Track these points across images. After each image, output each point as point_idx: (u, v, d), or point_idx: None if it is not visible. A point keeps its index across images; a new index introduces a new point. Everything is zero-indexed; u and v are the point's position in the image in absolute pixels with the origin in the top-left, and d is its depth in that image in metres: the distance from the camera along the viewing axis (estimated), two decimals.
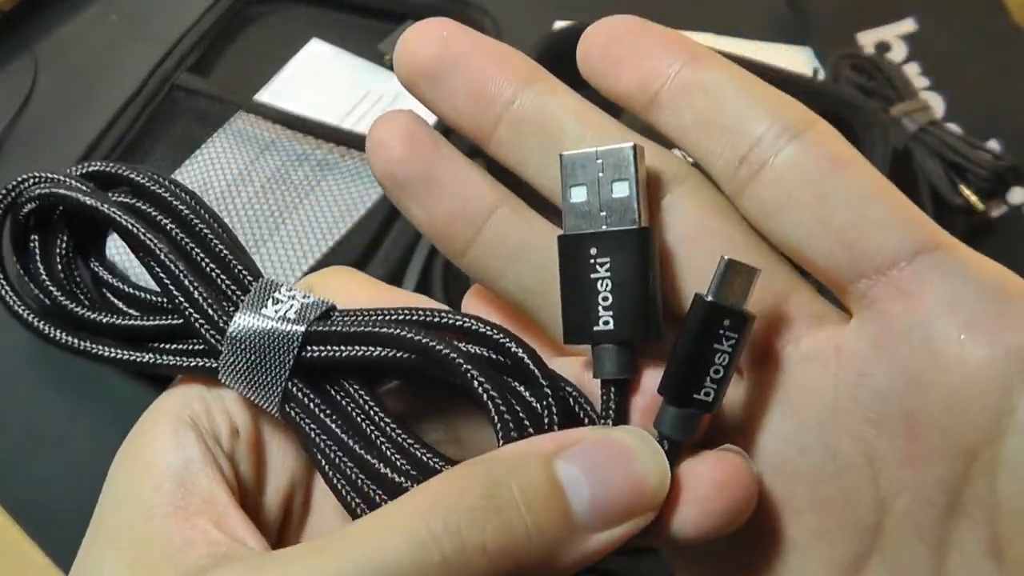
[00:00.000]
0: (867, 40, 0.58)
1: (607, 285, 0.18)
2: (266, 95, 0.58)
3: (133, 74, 0.56)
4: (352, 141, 0.54)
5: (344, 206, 0.51)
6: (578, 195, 0.18)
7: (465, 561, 0.16)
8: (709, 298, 0.17)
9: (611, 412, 0.19)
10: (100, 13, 0.65)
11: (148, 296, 0.22)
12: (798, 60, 0.59)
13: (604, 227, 0.18)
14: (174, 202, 0.21)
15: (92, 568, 0.19)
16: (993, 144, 0.52)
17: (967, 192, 0.48)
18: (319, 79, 0.59)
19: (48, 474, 0.44)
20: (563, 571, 0.17)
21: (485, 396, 0.18)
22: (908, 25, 0.59)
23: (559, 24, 0.55)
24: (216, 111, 0.56)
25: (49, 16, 0.64)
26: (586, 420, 0.19)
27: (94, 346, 0.21)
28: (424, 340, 0.19)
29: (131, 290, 0.22)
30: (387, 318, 0.20)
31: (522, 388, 0.19)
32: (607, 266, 0.18)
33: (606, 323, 0.18)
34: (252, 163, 0.54)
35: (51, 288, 0.21)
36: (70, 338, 0.21)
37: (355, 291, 0.22)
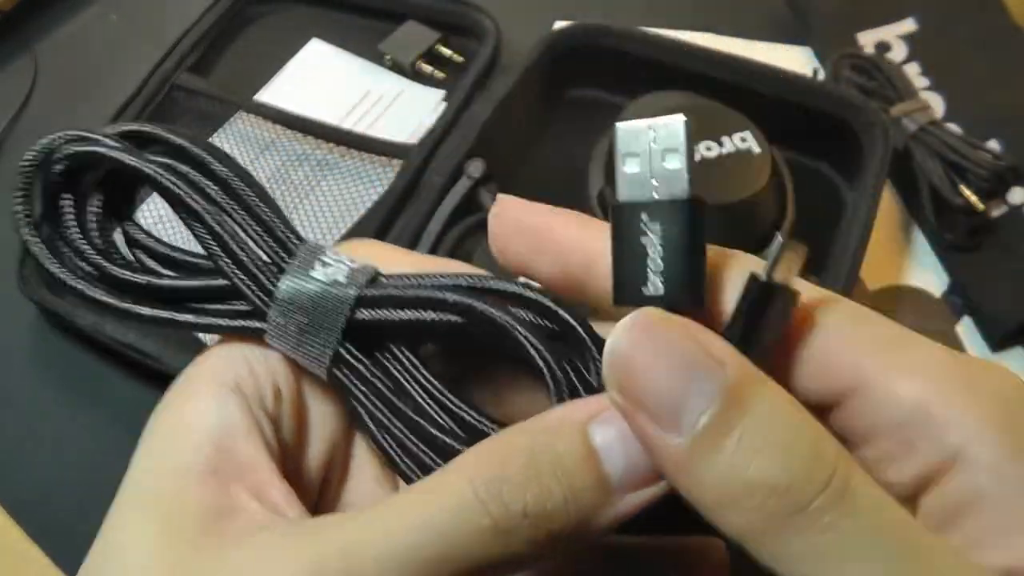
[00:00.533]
0: (867, 40, 0.58)
1: (657, 251, 0.19)
2: (266, 95, 0.58)
3: (133, 74, 0.56)
4: (352, 141, 0.54)
5: (344, 206, 0.51)
6: (631, 165, 0.19)
7: (509, 526, 0.17)
8: (764, 278, 0.18)
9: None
10: (100, 13, 0.65)
11: (185, 257, 0.21)
12: (798, 60, 0.59)
13: (655, 196, 0.19)
14: (213, 164, 0.21)
15: (119, 529, 0.19)
16: (993, 144, 0.52)
17: (967, 192, 0.48)
18: (319, 79, 0.59)
19: (48, 474, 0.44)
20: (598, 530, 0.17)
21: (540, 361, 0.19)
22: (908, 25, 0.59)
23: (559, 24, 0.55)
24: (216, 111, 0.56)
25: (49, 16, 0.64)
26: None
27: (135, 306, 0.21)
28: (479, 305, 0.19)
29: (167, 251, 0.21)
30: (436, 283, 0.20)
31: (573, 352, 0.19)
32: (658, 233, 0.19)
33: (655, 287, 0.19)
34: (252, 163, 0.54)
35: (85, 248, 0.21)
36: (110, 299, 0.21)
37: (390, 259, 0.22)
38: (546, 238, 0.20)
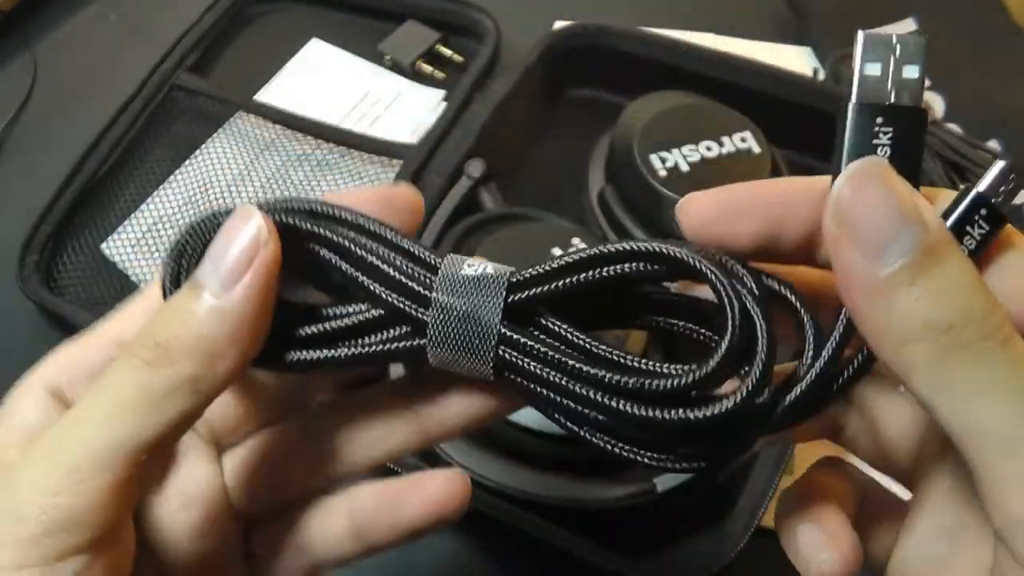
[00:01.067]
0: None
1: (886, 151, 0.20)
2: (266, 95, 0.58)
3: (133, 74, 0.56)
4: (352, 141, 0.54)
5: None
6: (872, 70, 0.21)
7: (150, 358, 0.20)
8: (981, 189, 0.19)
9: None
10: (100, 13, 0.65)
11: (329, 303, 0.23)
12: (798, 60, 0.59)
13: (892, 100, 0.20)
14: (347, 216, 0.22)
15: None
16: (993, 144, 0.52)
17: None
18: (319, 79, 0.59)
19: None
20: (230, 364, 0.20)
21: (719, 284, 0.20)
22: (908, 25, 0.59)
23: (559, 24, 0.55)
24: (216, 111, 0.56)
25: (49, 16, 0.64)
26: (797, 304, 0.21)
27: (316, 354, 0.22)
28: (642, 245, 0.21)
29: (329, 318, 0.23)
30: (575, 256, 0.21)
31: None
32: (889, 135, 0.20)
33: None
34: (252, 163, 0.54)
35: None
36: (297, 355, 0.22)
37: None
38: (744, 194, 0.21)
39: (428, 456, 0.39)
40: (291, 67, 0.59)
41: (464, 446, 0.39)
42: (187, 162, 0.54)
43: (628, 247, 0.21)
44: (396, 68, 0.59)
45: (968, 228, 0.19)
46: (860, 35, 0.21)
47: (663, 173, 0.45)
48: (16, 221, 0.50)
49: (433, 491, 0.24)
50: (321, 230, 0.22)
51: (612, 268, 0.21)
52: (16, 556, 0.19)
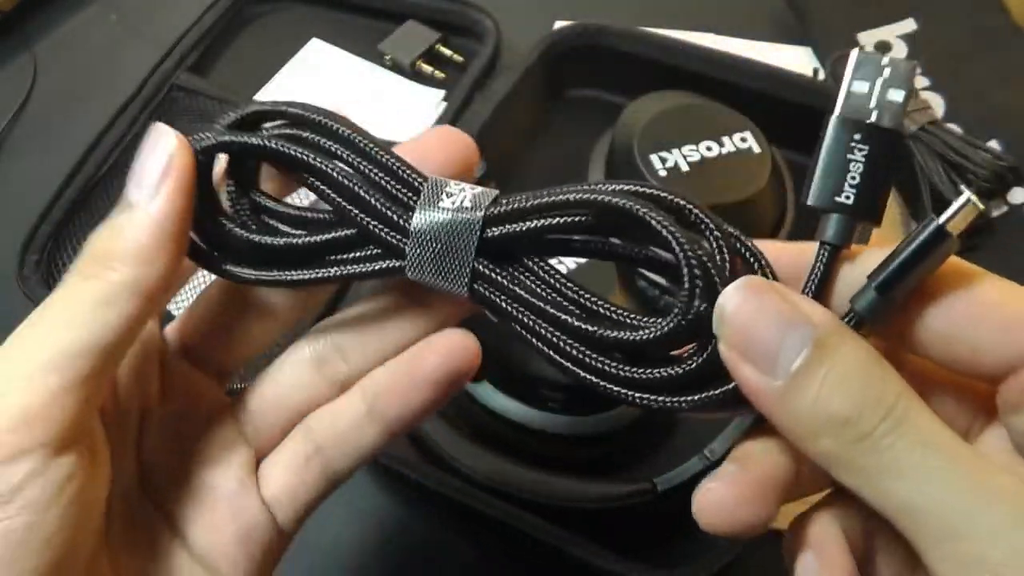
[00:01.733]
0: (867, 40, 0.58)
1: (858, 167, 0.21)
2: (266, 95, 0.58)
3: (133, 74, 0.56)
4: None
5: None
6: (859, 87, 0.21)
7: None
8: (940, 222, 0.20)
9: (819, 272, 0.21)
10: (100, 13, 0.65)
11: (307, 214, 0.23)
12: (798, 60, 0.59)
13: (873, 120, 0.21)
14: (332, 124, 0.23)
15: None
16: (993, 144, 0.52)
17: (967, 192, 0.48)
18: (319, 79, 0.59)
19: None
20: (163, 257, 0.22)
21: (674, 242, 0.20)
22: (908, 25, 0.59)
23: (559, 24, 0.55)
24: (216, 111, 0.56)
25: (49, 16, 0.64)
26: (754, 264, 0.21)
27: (283, 274, 0.23)
28: (602, 197, 0.21)
29: (295, 212, 0.23)
30: (556, 190, 0.22)
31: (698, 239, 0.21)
32: (864, 152, 0.21)
33: (847, 197, 0.21)
34: None
35: (227, 225, 0.23)
36: (260, 273, 0.23)
37: None
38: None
39: (424, 452, 0.39)
40: (291, 67, 0.59)
41: (462, 444, 0.39)
42: None
43: (592, 198, 0.21)
44: (396, 68, 0.59)
45: (924, 256, 0.20)
46: (854, 53, 0.21)
47: (663, 173, 0.45)
48: (16, 221, 0.50)
49: (446, 343, 0.24)
50: (295, 152, 0.22)
51: (580, 216, 0.22)
52: None
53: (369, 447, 0.25)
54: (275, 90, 0.58)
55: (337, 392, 0.26)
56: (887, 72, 0.21)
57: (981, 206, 0.20)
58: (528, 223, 0.22)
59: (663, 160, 0.45)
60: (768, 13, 0.61)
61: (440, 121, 0.53)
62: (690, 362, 0.21)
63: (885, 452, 0.18)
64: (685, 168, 0.45)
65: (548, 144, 0.54)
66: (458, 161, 0.25)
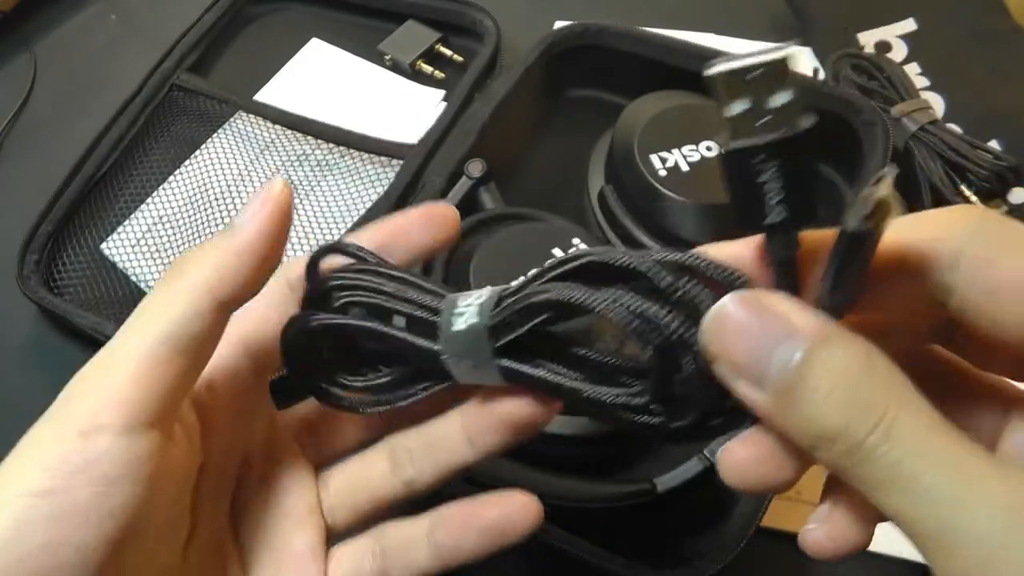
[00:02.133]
0: (867, 40, 0.58)
1: (776, 184, 0.19)
2: (266, 95, 0.58)
3: (133, 74, 0.56)
4: (352, 141, 0.54)
5: (344, 206, 0.51)
6: (738, 108, 0.19)
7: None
8: (850, 229, 0.19)
9: (787, 284, 0.21)
10: (100, 13, 0.65)
11: (372, 373, 0.27)
12: (798, 60, 0.59)
13: (768, 137, 0.19)
14: (368, 279, 0.26)
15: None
16: (993, 144, 0.52)
17: (967, 192, 0.48)
18: (319, 79, 0.59)
19: None
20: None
21: (645, 339, 0.21)
22: (908, 25, 0.59)
23: (559, 24, 0.55)
24: (216, 111, 0.56)
25: (49, 16, 0.64)
26: (733, 279, 0.21)
27: (375, 407, 0.27)
28: (560, 295, 0.22)
29: (358, 380, 0.27)
30: (533, 290, 0.23)
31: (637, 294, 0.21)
32: (773, 169, 0.19)
33: (777, 215, 0.20)
34: (252, 163, 0.54)
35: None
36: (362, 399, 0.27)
37: None
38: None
39: None
40: (291, 67, 0.59)
41: None
42: (187, 162, 0.54)
43: (572, 299, 0.22)
44: (396, 68, 0.59)
45: (851, 263, 0.19)
46: (713, 76, 0.19)
47: (663, 173, 0.45)
48: (16, 221, 0.50)
49: (509, 502, 0.27)
50: (373, 326, 0.25)
51: (547, 314, 0.23)
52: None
53: (422, 567, 0.27)
54: (275, 90, 0.58)
55: (407, 492, 0.28)
56: (758, 78, 0.18)
57: (885, 191, 0.18)
58: (521, 329, 0.23)
59: (663, 160, 0.45)
60: (768, 13, 0.62)
61: (440, 121, 0.53)
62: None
63: (877, 463, 0.18)
64: (685, 168, 0.45)
65: (548, 144, 0.54)
66: (441, 240, 0.28)
